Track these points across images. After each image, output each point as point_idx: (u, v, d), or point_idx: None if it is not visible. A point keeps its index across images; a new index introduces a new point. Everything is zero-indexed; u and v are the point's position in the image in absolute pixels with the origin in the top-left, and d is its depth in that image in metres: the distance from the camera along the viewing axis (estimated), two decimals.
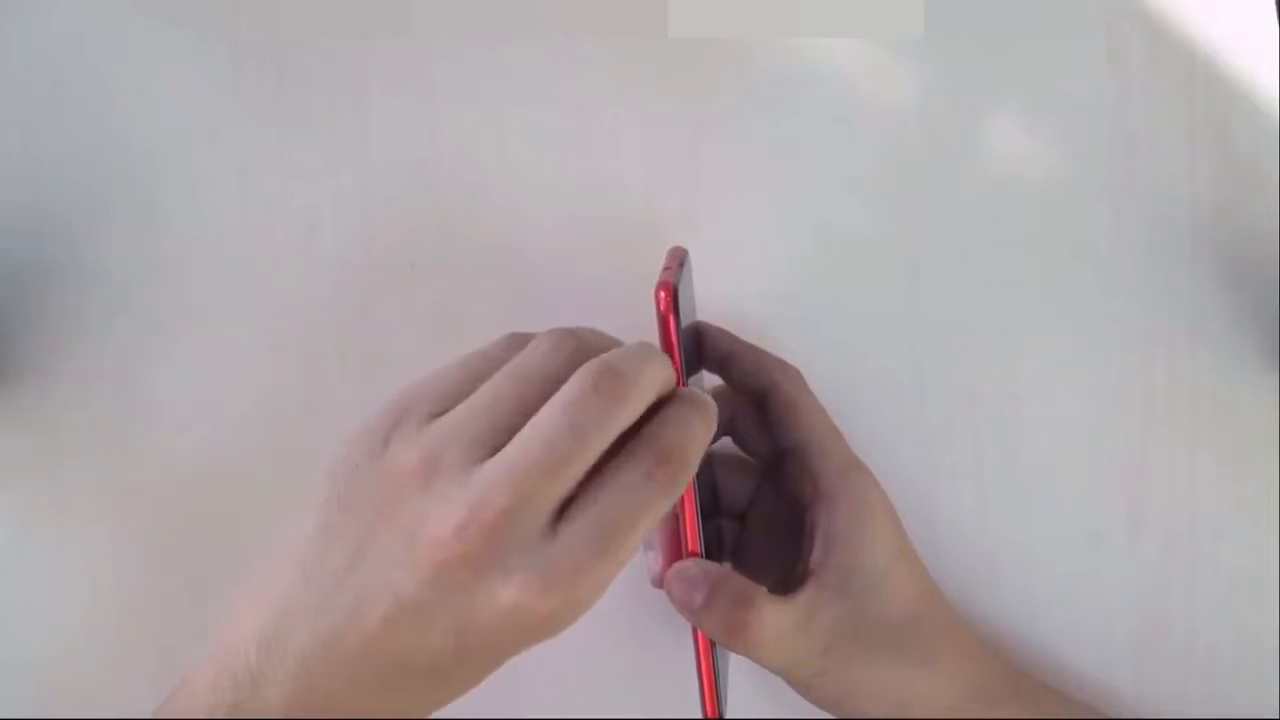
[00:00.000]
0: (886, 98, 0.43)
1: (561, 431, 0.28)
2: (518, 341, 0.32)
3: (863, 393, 0.42)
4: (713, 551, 0.36)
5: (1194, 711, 0.42)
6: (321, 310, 0.42)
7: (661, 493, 0.29)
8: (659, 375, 0.30)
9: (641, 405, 0.29)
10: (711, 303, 0.40)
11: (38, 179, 0.42)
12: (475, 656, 0.29)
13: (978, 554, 0.43)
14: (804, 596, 0.35)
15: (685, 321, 0.34)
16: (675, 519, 0.35)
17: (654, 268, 0.34)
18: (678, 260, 0.35)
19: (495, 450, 0.29)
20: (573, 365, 0.30)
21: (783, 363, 0.39)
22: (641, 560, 0.39)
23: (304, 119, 0.42)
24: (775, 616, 0.34)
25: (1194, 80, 0.42)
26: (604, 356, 0.30)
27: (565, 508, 0.29)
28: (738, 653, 0.35)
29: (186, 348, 0.42)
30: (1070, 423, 0.43)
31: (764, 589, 0.35)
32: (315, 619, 0.29)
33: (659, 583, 0.36)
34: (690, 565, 0.34)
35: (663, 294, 0.32)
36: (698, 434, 0.30)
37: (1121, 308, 0.43)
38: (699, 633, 0.35)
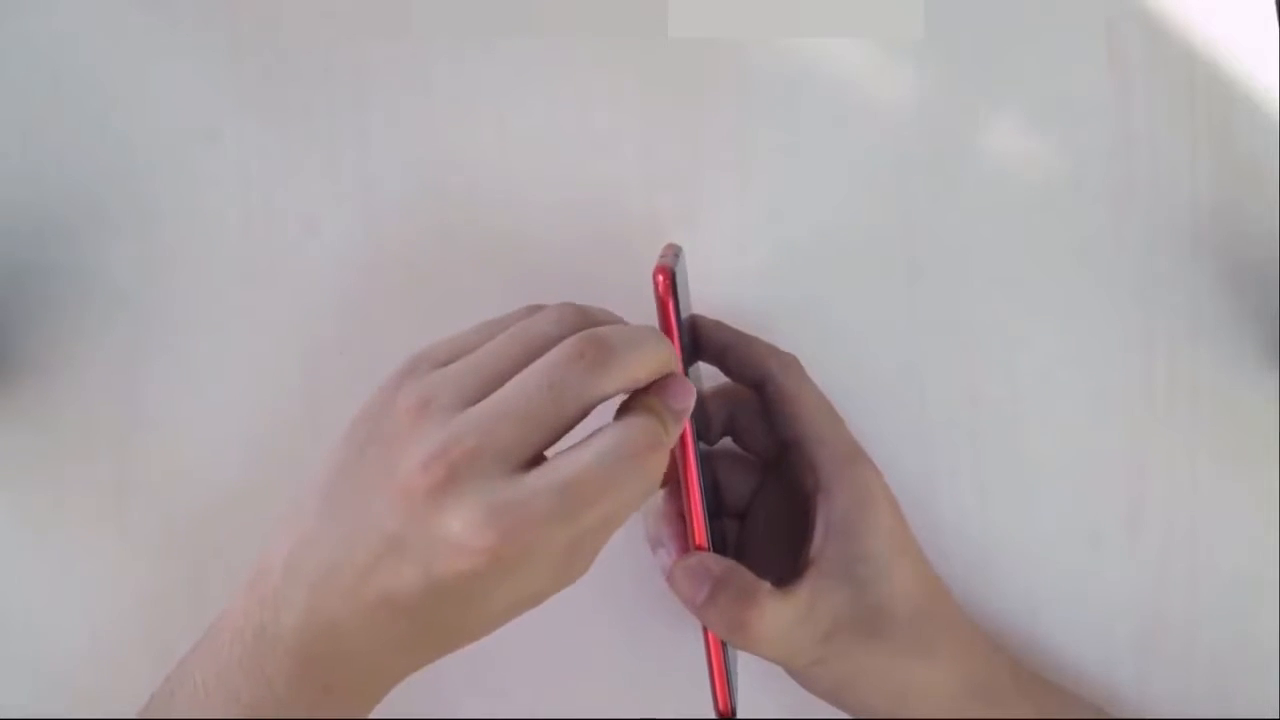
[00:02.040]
0: (886, 98, 0.43)
1: (539, 387, 0.30)
2: (533, 311, 0.34)
3: (863, 393, 0.42)
4: (719, 550, 0.36)
5: (1194, 711, 0.42)
6: (321, 310, 0.42)
7: (638, 475, 0.30)
8: (653, 355, 0.32)
9: (626, 379, 0.31)
10: (711, 303, 0.40)
11: (38, 179, 0.42)
12: (445, 597, 0.30)
13: (978, 553, 0.43)
14: (804, 588, 0.35)
15: (682, 314, 0.34)
16: (683, 518, 0.35)
17: (651, 264, 0.34)
18: (673, 253, 0.35)
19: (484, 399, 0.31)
20: (573, 334, 0.31)
21: (777, 351, 0.39)
22: (649, 560, 0.39)
23: (304, 119, 0.42)
24: (777, 611, 0.34)
25: (1194, 80, 0.42)
26: (598, 329, 0.31)
27: (540, 463, 0.30)
28: (740, 648, 0.35)
29: (186, 347, 0.42)
30: (1070, 423, 0.43)
31: (767, 584, 0.35)
32: (324, 548, 0.31)
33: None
34: (694, 560, 0.34)
35: (660, 277, 0.33)
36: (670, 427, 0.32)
37: (1121, 308, 0.43)
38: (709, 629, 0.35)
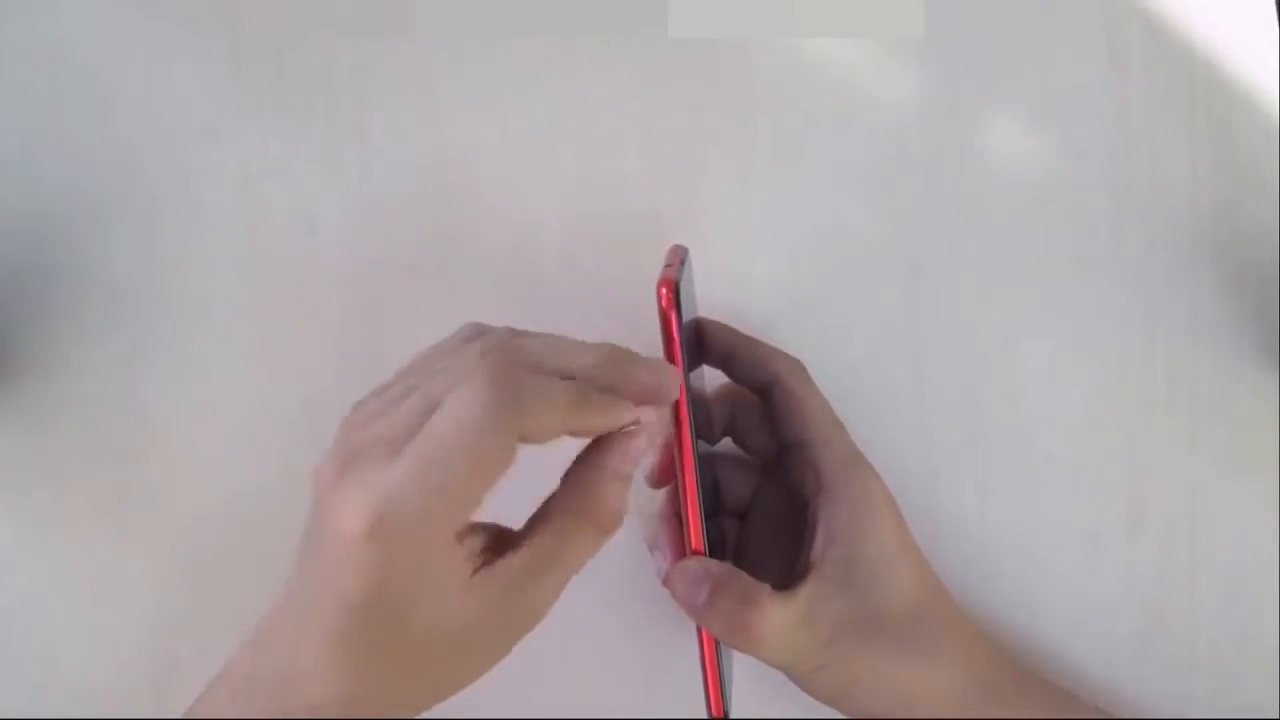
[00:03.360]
0: (886, 98, 0.43)
1: (424, 374, 0.31)
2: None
3: (863, 392, 0.42)
4: (716, 550, 0.36)
5: (1195, 711, 0.42)
6: (321, 310, 0.42)
7: (479, 414, 0.29)
8: (545, 338, 0.32)
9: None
10: (711, 303, 0.40)
11: (38, 180, 0.42)
12: (367, 614, 0.29)
13: (978, 554, 0.43)
14: (805, 591, 0.35)
15: (686, 318, 0.34)
16: (680, 519, 0.35)
17: (654, 266, 0.34)
18: (678, 258, 0.35)
19: None
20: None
21: (784, 355, 0.39)
22: (645, 561, 0.39)
23: (304, 119, 0.42)
24: (778, 614, 0.34)
25: (1194, 80, 0.42)
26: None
27: None
28: (741, 651, 0.35)
29: (186, 348, 0.42)
30: (1070, 423, 0.43)
31: (767, 586, 0.35)
32: (289, 596, 0.32)
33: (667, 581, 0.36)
34: (693, 564, 0.34)
35: (664, 290, 0.33)
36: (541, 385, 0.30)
37: (1121, 308, 0.43)
38: (704, 631, 0.35)
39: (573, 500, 0.32)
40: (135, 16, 0.42)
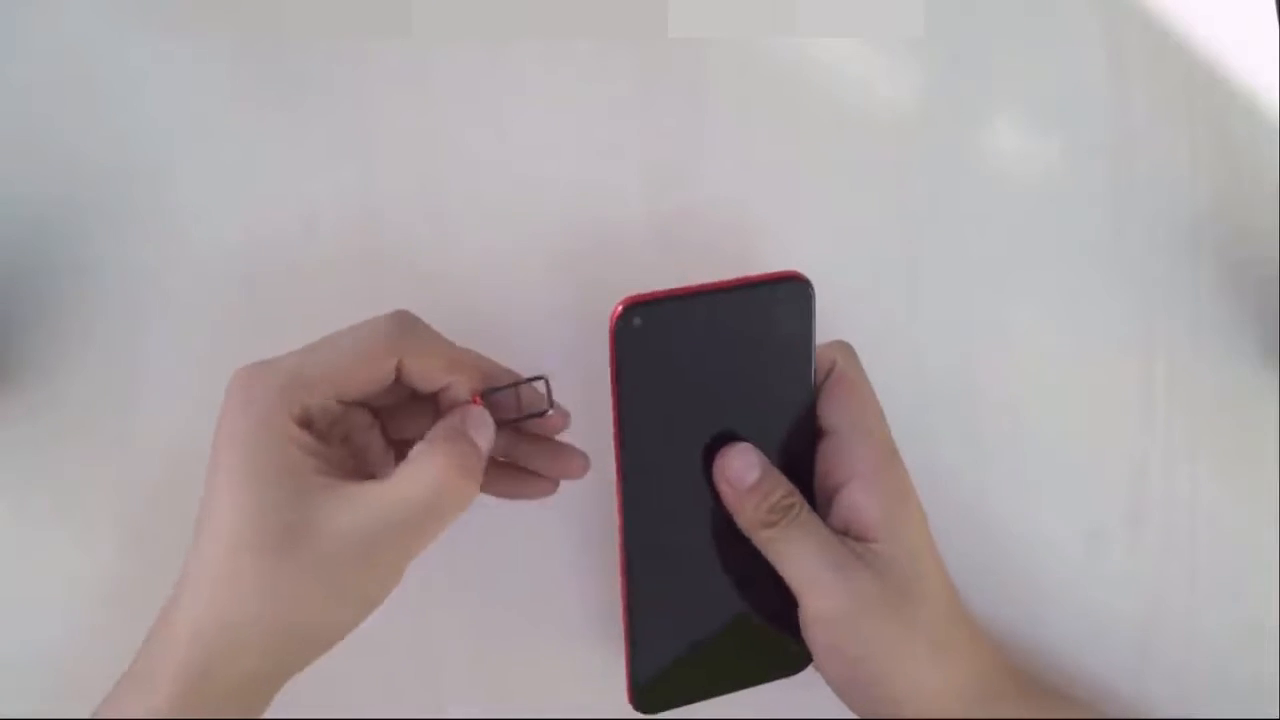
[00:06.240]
0: (886, 98, 0.43)
1: None
2: None
3: None
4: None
5: (1194, 711, 0.42)
6: (321, 310, 0.42)
7: (372, 327, 0.36)
8: None
9: None
10: None
11: (38, 179, 0.42)
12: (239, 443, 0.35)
13: (978, 554, 0.43)
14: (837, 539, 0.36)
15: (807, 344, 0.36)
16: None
17: (653, 267, 0.34)
18: (724, 289, 0.36)
19: None
20: None
21: (837, 341, 0.39)
22: None
23: (304, 118, 0.42)
24: (810, 522, 0.36)
25: (1194, 80, 0.42)
26: None
27: None
28: (773, 545, 0.36)
29: (186, 348, 0.42)
30: (1070, 423, 0.43)
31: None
32: None
33: None
34: (746, 447, 0.36)
35: (619, 307, 0.34)
36: None
37: (1121, 308, 0.43)
38: (626, 622, 0.36)
39: (439, 444, 0.34)
40: (136, 16, 0.42)
